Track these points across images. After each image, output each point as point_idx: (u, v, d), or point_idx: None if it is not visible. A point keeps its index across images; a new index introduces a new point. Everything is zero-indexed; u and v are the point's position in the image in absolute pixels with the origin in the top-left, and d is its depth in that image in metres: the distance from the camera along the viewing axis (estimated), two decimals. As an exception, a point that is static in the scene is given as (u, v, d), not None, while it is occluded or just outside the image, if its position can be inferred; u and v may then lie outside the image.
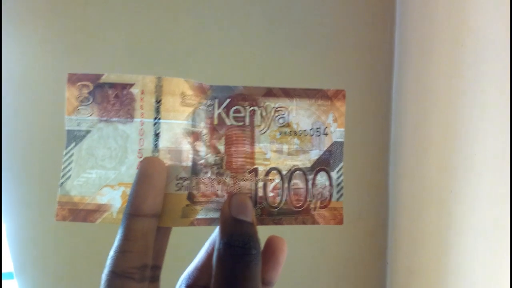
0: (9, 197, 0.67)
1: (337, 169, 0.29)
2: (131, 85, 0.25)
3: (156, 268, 0.25)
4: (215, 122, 0.26)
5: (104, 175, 0.25)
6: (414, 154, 0.72)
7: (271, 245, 0.27)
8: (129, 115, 0.25)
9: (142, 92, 0.25)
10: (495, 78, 0.50)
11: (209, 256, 0.28)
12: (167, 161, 0.25)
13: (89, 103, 0.25)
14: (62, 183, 0.25)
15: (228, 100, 0.27)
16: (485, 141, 0.52)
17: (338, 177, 0.29)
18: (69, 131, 0.25)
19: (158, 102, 0.25)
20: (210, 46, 0.71)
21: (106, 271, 0.22)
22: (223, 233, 0.24)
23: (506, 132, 0.48)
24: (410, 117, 0.74)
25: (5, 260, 0.70)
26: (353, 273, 0.84)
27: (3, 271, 0.74)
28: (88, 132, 0.25)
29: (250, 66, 0.74)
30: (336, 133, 0.29)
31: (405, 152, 0.76)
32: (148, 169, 0.23)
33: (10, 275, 0.71)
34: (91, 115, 0.25)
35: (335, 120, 0.29)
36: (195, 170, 0.26)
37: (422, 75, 0.69)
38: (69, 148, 0.25)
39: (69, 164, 0.25)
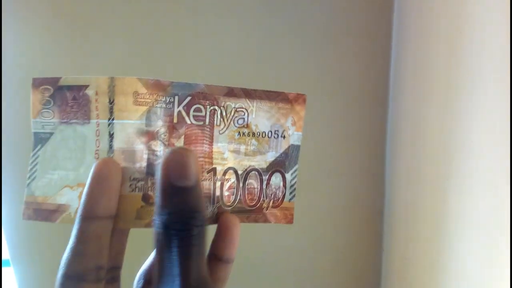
0: (5, 185, 0.68)
1: (291, 171, 0.29)
2: (86, 86, 0.25)
3: (115, 269, 0.25)
4: (175, 120, 0.26)
5: (64, 176, 0.25)
6: (411, 142, 0.72)
7: (224, 222, 0.27)
8: (86, 117, 0.25)
9: (97, 93, 0.25)
10: (493, 66, 0.49)
11: None
12: (121, 161, 0.25)
13: (50, 106, 0.25)
14: (28, 184, 0.25)
15: (188, 98, 0.26)
16: (483, 129, 0.52)
17: (292, 179, 0.29)
18: (35, 134, 0.25)
19: (111, 102, 0.25)
20: (184, 43, 0.71)
21: (59, 274, 0.21)
22: (159, 208, 0.21)
23: (504, 120, 0.47)
24: (408, 105, 0.73)
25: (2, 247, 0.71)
26: (349, 260, 0.85)
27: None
28: (51, 134, 0.25)
29: (234, 65, 0.73)
30: (294, 136, 0.29)
31: (402, 140, 0.75)
32: (100, 171, 0.23)
33: (7, 263, 0.72)
34: (52, 117, 0.25)
35: (293, 124, 0.29)
36: (150, 170, 0.25)
37: (420, 62, 0.68)
38: (36, 150, 0.26)
39: (35, 165, 0.25)
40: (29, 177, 0.25)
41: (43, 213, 0.25)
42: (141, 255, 0.30)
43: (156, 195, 0.22)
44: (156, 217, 0.21)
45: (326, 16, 0.74)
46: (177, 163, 0.21)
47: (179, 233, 0.21)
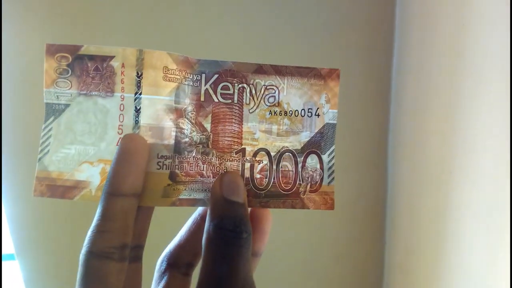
0: (8, 177, 0.68)
1: (328, 152, 0.27)
2: (111, 57, 0.24)
3: (138, 248, 0.24)
4: (202, 98, 0.25)
5: (83, 151, 0.24)
6: (413, 134, 0.72)
7: (256, 216, 0.26)
8: (110, 89, 0.24)
9: (123, 65, 0.24)
10: (496, 59, 0.49)
11: (191, 233, 0.27)
12: (148, 138, 0.24)
13: (68, 75, 0.24)
14: (40, 158, 0.24)
15: (216, 76, 0.25)
16: (486, 121, 0.52)
17: (330, 160, 0.27)
18: (47, 104, 0.24)
19: (139, 76, 0.24)
20: (204, 20, 0.70)
21: (83, 251, 0.21)
22: (213, 214, 0.23)
23: (507, 113, 0.47)
24: (410, 97, 0.73)
25: (6, 241, 0.71)
26: (352, 253, 0.84)
27: (4, 252, 0.74)
28: (67, 106, 0.24)
29: (243, 41, 0.72)
30: (329, 114, 0.27)
31: (404, 132, 0.75)
32: (128, 147, 0.23)
33: (11, 257, 0.72)
34: (70, 88, 0.24)
35: (328, 101, 0.27)
36: (178, 148, 0.25)
37: (423, 54, 0.68)
38: (48, 122, 0.24)
39: (47, 138, 0.24)
40: (40, 151, 0.24)
41: (58, 189, 0.24)
42: (163, 236, 0.30)
43: (210, 204, 0.24)
44: (210, 221, 0.23)
45: (325, 8, 0.73)
46: (231, 182, 0.24)
47: (232, 234, 0.22)
